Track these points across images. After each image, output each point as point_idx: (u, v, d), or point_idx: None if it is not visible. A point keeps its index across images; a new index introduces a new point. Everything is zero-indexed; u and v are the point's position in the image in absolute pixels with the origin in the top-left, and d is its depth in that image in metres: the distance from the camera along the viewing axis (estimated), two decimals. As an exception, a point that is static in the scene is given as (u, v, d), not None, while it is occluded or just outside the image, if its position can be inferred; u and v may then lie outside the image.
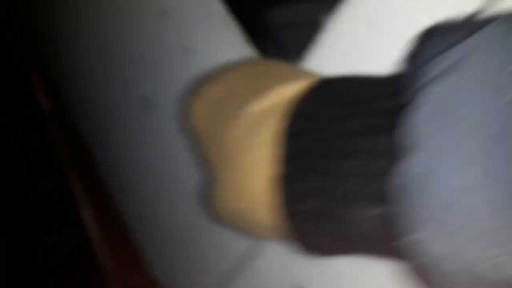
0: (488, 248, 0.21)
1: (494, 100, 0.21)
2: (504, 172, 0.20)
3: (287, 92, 0.32)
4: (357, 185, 0.27)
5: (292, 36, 0.46)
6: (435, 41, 0.25)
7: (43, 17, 1.24)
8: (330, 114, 0.29)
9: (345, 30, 0.39)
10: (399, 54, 0.35)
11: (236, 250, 0.75)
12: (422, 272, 0.24)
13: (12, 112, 1.40)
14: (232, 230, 0.66)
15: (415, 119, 0.23)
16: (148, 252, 1.07)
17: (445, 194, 0.22)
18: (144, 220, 1.07)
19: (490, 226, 0.20)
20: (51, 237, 1.26)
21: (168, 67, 0.73)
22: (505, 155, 0.20)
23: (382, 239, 0.27)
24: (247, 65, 0.38)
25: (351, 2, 0.39)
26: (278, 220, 0.30)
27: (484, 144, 0.21)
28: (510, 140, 0.20)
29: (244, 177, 0.31)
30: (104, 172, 1.18)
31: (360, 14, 0.38)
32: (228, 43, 0.55)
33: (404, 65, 0.28)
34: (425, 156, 0.22)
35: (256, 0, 0.49)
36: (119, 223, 1.13)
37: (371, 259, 0.33)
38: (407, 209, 0.23)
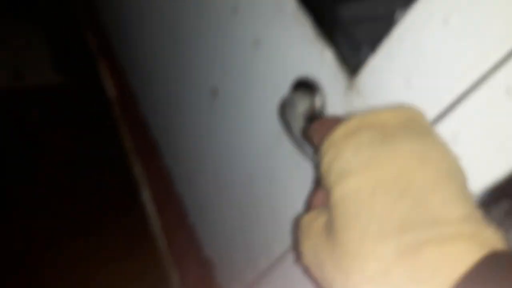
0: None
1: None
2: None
3: (451, 260, 0.28)
4: None
5: (365, 29, 0.47)
6: None
7: (119, 8, 1.30)
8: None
9: (420, 26, 0.40)
10: (476, 52, 0.36)
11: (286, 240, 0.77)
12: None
13: (81, 100, 1.48)
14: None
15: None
16: (204, 234, 1.11)
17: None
18: (202, 206, 1.11)
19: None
20: (114, 223, 1.32)
21: (237, 61, 0.76)
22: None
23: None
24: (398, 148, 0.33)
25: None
26: None
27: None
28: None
29: None
30: (167, 159, 1.23)
31: (436, 9, 0.38)
32: (298, 37, 0.56)
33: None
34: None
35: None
36: (176, 206, 1.17)
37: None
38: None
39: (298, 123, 0.60)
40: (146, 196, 1.39)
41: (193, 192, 1.15)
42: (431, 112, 0.40)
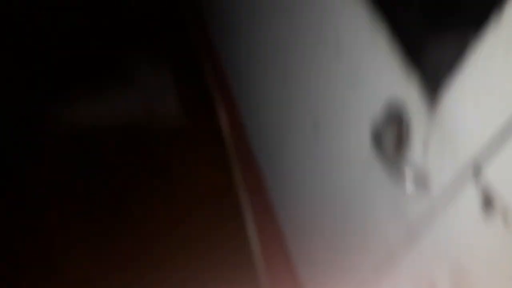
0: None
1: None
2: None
3: None
4: None
5: (445, 57, 0.55)
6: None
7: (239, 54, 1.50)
8: None
9: (488, 55, 0.48)
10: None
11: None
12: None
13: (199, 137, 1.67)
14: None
15: None
16: (299, 258, 1.20)
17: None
18: (299, 232, 1.20)
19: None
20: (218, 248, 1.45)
21: (338, 97, 0.87)
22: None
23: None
24: None
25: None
26: None
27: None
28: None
29: None
30: (271, 191, 1.36)
31: (500, 42, 0.46)
32: (389, 68, 0.67)
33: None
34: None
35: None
36: (276, 232, 1.28)
37: None
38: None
39: (389, 148, 0.70)
40: (251, 225, 1.52)
41: (292, 220, 1.26)
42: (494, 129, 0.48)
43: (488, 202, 0.52)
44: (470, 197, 0.54)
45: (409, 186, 0.66)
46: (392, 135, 0.69)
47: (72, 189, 1.47)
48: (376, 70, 0.70)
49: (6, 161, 1.48)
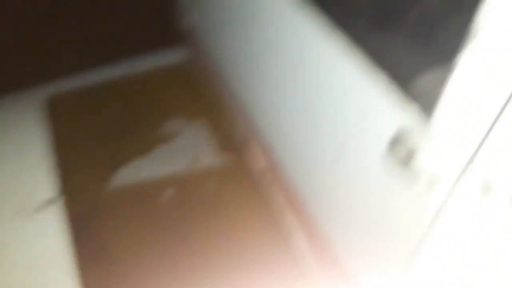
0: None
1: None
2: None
3: None
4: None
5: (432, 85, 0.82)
6: None
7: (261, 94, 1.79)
8: None
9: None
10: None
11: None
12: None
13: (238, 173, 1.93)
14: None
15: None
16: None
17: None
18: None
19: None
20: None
21: (352, 128, 1.15)
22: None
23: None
24: None
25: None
26: None
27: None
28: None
29: None
30: (310, 209, 1.62)
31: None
32: (389, 105, 0.94)
33: None
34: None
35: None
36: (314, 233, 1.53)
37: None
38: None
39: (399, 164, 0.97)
40: (297, 240, 1.77)
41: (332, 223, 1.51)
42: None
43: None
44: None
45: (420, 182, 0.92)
46: (401, 155, 0.96)
47: (146, 234, 1.75)
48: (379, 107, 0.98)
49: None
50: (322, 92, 1.27)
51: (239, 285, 1.67)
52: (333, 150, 1.29)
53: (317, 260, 1.68)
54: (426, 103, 0.86)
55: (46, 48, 2.13)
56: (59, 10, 2.05)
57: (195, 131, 2.09)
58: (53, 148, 1.98)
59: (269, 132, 1.85)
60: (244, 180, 1.95)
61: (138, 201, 1.85)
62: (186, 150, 2.03)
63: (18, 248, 1.68)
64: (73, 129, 2.09)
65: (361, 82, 1.05)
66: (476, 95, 0.74)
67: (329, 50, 1.15)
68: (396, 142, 0.96)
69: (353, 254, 1.39)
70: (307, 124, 1.43)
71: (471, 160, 0.79)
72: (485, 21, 0.68)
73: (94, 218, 1.78)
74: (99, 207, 1.81)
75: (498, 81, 0.69)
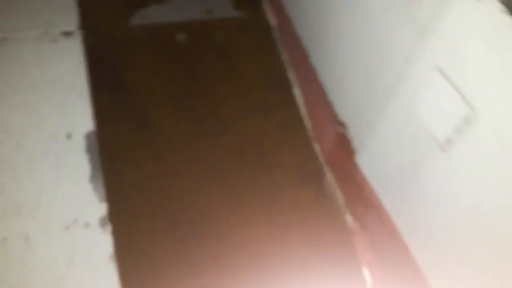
0: None
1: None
2: None
3: None
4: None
5: None
6: None
7: None
8: None
9: None
10: None
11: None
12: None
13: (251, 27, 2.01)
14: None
15: None
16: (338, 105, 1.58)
17: None
18: (338, 83, 1.57)
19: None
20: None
21: None
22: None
23: None
24: None
25: None
26: None
27: None
28: None
29: None
30: (316, 64, 1.72)
31: None
32: None
33: None
34: None
35: None
36: (318, 87, 1.64)
37: None
38: None
39: None
40: (297, 91, 1.89)
41: (332, 76, 1.62)
42: None
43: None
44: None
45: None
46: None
47: (158, 70, 1.89)
48: None
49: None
50: None
51: (245, 126, 1.81)
52: None
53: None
54: None
55: None
56: None
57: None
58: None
59: None
60: (256, 33, 2.04)
61: (153, 40, 1.95)
62: (201, 2, 2.09)
63: (40, 68, 1.82)
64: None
65: None
66: None
67: None
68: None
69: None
70: None
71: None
72: None
73: (111, 51, 1.89)
74: (116, 42, 1.92)
75: None
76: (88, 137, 1.70)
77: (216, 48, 1.97)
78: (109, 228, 1.54)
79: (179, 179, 1.65)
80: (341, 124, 1.59)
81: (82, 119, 1.73)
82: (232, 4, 2.11)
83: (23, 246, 1.47)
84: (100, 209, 1.56)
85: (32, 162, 1.63)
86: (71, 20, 1.96)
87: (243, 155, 1.73)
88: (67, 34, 1.92)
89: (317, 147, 1.77)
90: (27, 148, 1.65)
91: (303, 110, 1.85)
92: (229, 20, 2.06)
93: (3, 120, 1.70)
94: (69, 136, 1.69)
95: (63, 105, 1.76)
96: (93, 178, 1.63)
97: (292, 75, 1.93)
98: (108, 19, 1.99)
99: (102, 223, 1.54)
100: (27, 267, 1.44)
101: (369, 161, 1.45)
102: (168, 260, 1.50)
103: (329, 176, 1.71)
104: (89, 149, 1.68)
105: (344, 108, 1.58)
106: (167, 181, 1.65)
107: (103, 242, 1.51)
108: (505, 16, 0.84)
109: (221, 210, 1.60)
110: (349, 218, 1.61)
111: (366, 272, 1.52)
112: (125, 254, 1.49)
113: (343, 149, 1.59)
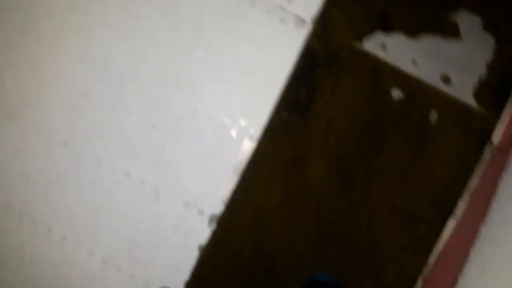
0: None
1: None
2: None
3: None
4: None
5: None
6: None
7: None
8: None
9: None
10: None
11: None
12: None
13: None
14: None
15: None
16: None
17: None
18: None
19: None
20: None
21: None
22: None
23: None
24: None
25: None
26: None
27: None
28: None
29: None
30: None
31: None
32: None
33: None
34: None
35: None
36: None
37: None
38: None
39: None
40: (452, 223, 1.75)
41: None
42: None
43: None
44: None
45: None
46: None
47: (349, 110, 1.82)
48: None
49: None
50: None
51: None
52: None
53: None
54: None
55: None
56: None
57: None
58: None
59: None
60: (470, 138, 1.78)
61: (367, 74, 1.82)
62: (446, 61, 1.78)
63: (251, 41, 1.84)
64: None
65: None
66: None
67: None
68: None
69: None
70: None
71: None
72: None
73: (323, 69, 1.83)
74: (336, 62, 1.82)
75: None
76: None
77: (418, 126, 1.78)
78: (213, 226, 1.81)
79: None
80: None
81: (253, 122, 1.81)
82: (476, 87, 1.77)
83: (152, 195, 1.83)
84: (218, 207, 1.80)
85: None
86: (311, 6, 1.83)
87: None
88: (300, 20, 1.83)
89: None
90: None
91: (434, 253, 1.74)
92: (456, 105, 1.77)
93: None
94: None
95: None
96: (235, 171, 1.81)
97: (461, 206, 1.73)
98: (340, 31, 1.82)
99: (211, 219, 1.81)
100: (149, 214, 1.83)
101: None
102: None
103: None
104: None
105: None
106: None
107: (202, 233, 1.80)
108: None
109: None
110: None
111: None
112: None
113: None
